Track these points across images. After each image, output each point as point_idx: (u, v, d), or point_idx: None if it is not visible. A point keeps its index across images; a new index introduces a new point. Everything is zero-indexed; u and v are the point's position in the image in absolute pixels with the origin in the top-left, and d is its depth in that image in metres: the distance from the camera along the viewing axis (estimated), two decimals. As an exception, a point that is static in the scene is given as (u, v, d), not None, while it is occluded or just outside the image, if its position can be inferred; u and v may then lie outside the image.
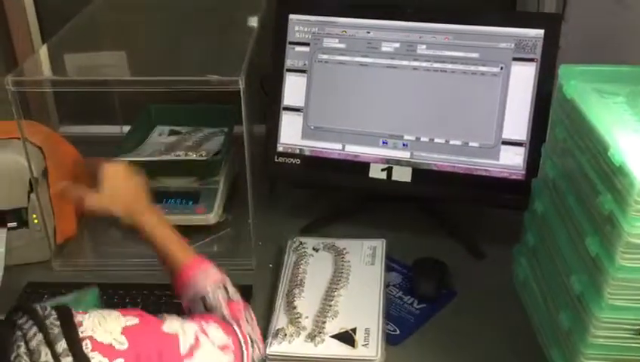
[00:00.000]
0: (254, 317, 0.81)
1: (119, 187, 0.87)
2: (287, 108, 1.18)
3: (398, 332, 0.96)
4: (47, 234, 1.10)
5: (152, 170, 1.18)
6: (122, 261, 1.11)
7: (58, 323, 0.60)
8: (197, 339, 0.69)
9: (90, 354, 0.60)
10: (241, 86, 0.96)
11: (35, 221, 1.08)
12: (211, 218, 1.16)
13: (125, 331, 0.64)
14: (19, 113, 0.98)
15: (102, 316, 0.64)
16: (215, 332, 0.72)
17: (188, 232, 1.14)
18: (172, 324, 0.69)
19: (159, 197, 1.17)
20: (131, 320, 0.66)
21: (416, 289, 1.03)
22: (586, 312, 0.77)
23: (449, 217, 1.20)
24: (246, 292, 1.01)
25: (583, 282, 0.78)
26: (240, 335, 0.75)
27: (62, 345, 0.59)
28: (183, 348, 0.68)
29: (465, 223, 1.19)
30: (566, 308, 0.83)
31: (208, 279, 0.80)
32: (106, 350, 0.62)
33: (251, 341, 0.76)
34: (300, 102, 1.18)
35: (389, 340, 0.93)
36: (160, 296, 1.01)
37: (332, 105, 1.16)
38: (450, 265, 1.08)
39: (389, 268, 1.09)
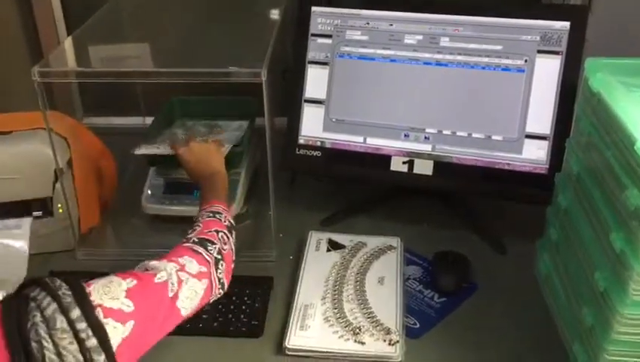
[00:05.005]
0: (230, 238, 0.89)
1: (190, 164, 1.05)
2: (309, 101, 1.18)
3: (418, 325, 0.95)
4: (72, 223, 1.11)
5: (173, 161, 1.19)
6: (145, 251, 1.11)
7: (70, 293, 0.63)
8: (179, 278, 0.77)
9: (104, 321, 0.64)
10: (264, 78, 0.96)
11: (60, 210, 1.10)
12: (233, 210, 1.16)
13: (129, 293, 0.69)
14: (44, 104, 1.00)
15: (104, 285, 0.69)
16: (190, 264, 0.79)
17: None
18: (160, 274, 0.75)
19: (181, 188, 1.18)
20: (131, 281, 0.71)
21: (437, 283, 1.03)
22: (609, 308, 0.76)
23: (470, 211, 1.20)
24: (266, 284, 1.03)
25: (606, 278, 0.77)
26: (207, 257, 0.82)
27: (76, 313, 0.62)
28: (171, 292, 0.75)
29: (486, 217, 1.18)
30: (589, 304, 0.82)
31: (209, 209, 0.92)
32: (118, 315, 0.66)
33: (216, 261, 0.83)
34: (321, 94, 1.17)
35: (409, 333, 0.93)
36: (181, 285, 1.01)
37: (354, 98, 1.16)
38: (470, 259, 1.07)
39: (408, 262, 1.08)
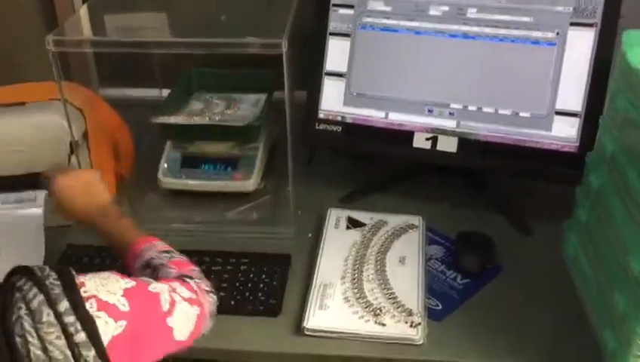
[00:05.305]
0: (202, 275, 0.82)
1: (69, 201, 0.91)
2: (330, 74, 1.14)
3: (440, 307, 0.93)
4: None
5: (190, 134, 1.17)
6: (162, 226, 1.10)
7: (58, 283, 0.60)
8: (172, 298, 0.71)
9: (96, 314, 0.61)
10: (284, 49, 0.92)
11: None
12: (250, 185, 1.14)
13: (126, 293, 0.65)
14: (59, 74, 0.97)
15: (102, 277, 0.65)
16: (181, 288, 0.73)
17: (225, 199, 1.14)
18: (154, 284, 0.70)
19: (197, 162, 1.16)
20: (129, 282, 0.67)
21: (460, 264, 1.00)
22: (644, 294, 0.72)
23: (495, 190, 1.16)
24: (284, 262, 1.00)
25: (642, 263, 0.74)
26: (197, 288, 0.76)
27: (64, 305, 0.58)
28: (164, 306, 0.69)
29: (512, 196, 1.15)
30: (622, 290, 0.78)
31: (153, 249, 0.82)
32: (112, 310, 0.62)
33: (207, 293, 0.77)
34: (342, 67, 1.13)
35: (431, 315, 0.91)
36: (199, 262, 0.99)
37: (376, 71, 1.12)
38: (495, 239, 1.04)
39: (430, 241, 1.06)
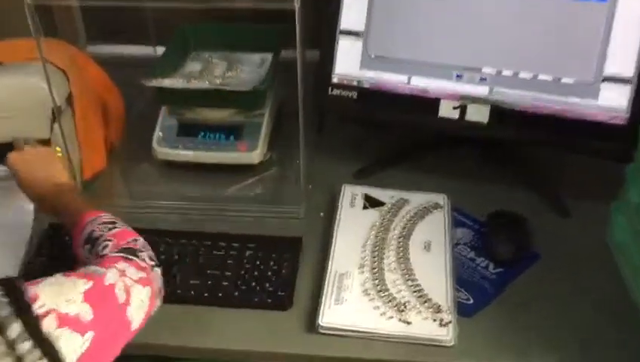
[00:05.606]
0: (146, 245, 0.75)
1: (26, 174, 0.87)
2: (345, 32, 1.02)
3: (471, 301, 0.82)
4: (73, 169, 0.99)
5: (188, 99, 1.06)
6: (155, 201, 1.01)
7: (6, 300, 0.49)
8: (125, 284, 0.65)
9: (58, 333, 0.51)
10: (297, 4, 0.81)
11: (59, 154, 0.97)
12: (255, 156, 1.04)
13: (87, 296, 0.58)
14: (37, 29, 0.85)
15: (56, 284, 0.57)
16: (129, 269, 0.67)
17: (227, 172, 1.03)
18: (107, 276, 0.64)
19: (195, 130, 1.06)
20: (87, 282, 0.60)
21: (492, 250, 0.90)
22: None
23: (531, 166, 1.06)
24: (295, 246, 0.90)
25: None
26: (144, 265, 0.70)
27: (15, 329, 0.48)
28: (121, 298, 0.63)
29: (548, 173, 1.04)
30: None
31: (97, 221, 0.76)
32: (75, 323, 0.54)
33: (152, 268, 0.71)
34: (359, 25, 1.01)
35: (462, 311, 0.80)
36: (197, 246, 0.89)
37: (397, 30, 1.00)
38: (530, 221, 0.93)
39: (457, 223, 0.95)
